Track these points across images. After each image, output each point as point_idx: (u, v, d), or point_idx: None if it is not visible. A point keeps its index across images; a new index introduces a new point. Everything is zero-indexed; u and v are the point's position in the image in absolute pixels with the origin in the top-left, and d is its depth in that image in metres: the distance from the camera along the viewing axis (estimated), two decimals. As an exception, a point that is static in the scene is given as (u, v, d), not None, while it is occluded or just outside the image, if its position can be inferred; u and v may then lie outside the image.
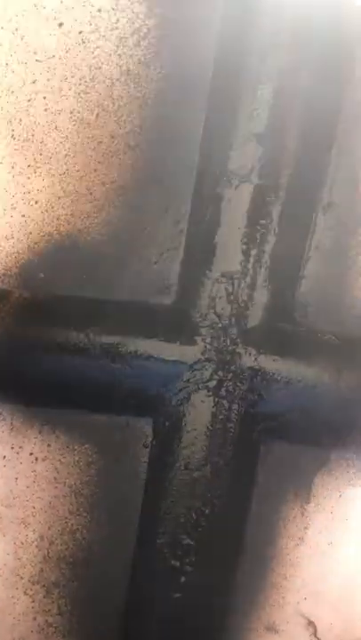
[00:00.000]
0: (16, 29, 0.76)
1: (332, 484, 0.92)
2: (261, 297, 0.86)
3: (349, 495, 0.92)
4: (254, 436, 0.90)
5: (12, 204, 0.82)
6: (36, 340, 0.84)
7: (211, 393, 0.88)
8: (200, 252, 0.85)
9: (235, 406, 0.88)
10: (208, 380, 0.88)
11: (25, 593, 0.94)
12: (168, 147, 0.80)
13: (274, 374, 0.87)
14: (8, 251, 0.84)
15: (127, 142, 0.78)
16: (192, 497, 0.89)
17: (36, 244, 0.84)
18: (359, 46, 0.80)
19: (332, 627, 0.97)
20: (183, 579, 0.92)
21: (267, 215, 0.83)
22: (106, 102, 0.77)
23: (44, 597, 0.95)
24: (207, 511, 0.90)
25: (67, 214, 0.81)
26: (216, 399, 0.88)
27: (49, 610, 0.95)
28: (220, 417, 0.88)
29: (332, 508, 0.93)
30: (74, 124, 0.77)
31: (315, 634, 0.97)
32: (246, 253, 0.85)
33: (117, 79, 0.76)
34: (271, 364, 0.87)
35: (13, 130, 0.79)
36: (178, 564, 0.92)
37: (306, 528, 0.94)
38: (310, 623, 0.97)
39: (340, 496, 0.92)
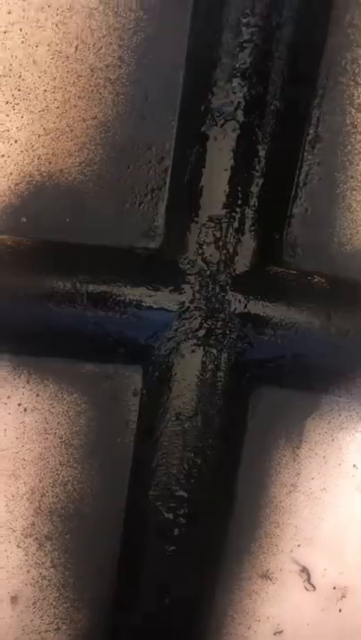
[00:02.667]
0: None
1: (324, 428, 0.91)
2: (250, 241, 0.85)
3: (342, 439, 0.91)
4: (244, 383, 0.89)
5: (-9, 145, 0.80)
6: (22, 288, 0.83)
7: (200, 342, 0.86)
8: (186, 194, 0.83)
9: (224, 355, 0.87)
10: (197, 330, 0.86)
11: (18, 546, 0.94)
12: (149, 80, 0.78)
13: (264, 321, 0.86)
14: (-12, 194, 0.82)
15: (107, 76, 0.76)
16: (184, 448, 0.88)
17: (16, 185, 0.82)
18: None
19: (325, 572, 0.97)
20: (177, 531, 0.92)
21: (254, 154, 0.81)
22: (84, 34, 0.74)
23: (37, 550, 0.94)
24: (199, 461, 0.89)
25: (47, 153, 0.79)
26: (205, 348, 0.87)
27: (43, 563, 0.95)
28: (210, 366, 0.87)
29: (324, 452, 0.92)
30: (52, 58, 0.75)
31: (308, 580, 0.97)
32: (234, 195, 0.83)
33: (95, 9, 0.74)
34: (261, 310, 0.86)
35: (-10, 66, 0.77)
36: (171, 516, 0.91)
37: (298, 474, 0.93)
38: (304, 570, 0.97)
39: (333, 440, 0.91)
